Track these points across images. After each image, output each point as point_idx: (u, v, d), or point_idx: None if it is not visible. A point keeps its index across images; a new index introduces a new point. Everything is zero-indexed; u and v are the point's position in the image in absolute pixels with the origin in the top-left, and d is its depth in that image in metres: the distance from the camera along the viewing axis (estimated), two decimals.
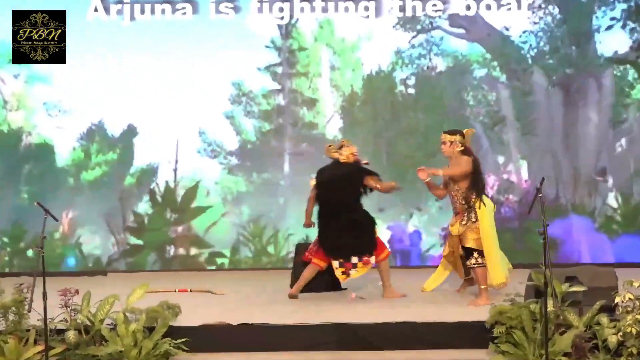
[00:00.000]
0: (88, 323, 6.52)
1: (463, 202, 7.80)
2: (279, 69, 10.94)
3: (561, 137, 10.85)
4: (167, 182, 10.89)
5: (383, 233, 10.73)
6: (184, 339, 6.47)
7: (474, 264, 7.73)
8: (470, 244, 7.74)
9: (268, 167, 10.94)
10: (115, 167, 10.93)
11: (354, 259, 7.94)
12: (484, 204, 7.76)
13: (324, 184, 8.09)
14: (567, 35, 10.83)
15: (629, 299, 6.27)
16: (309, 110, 10.97)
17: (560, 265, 7.34)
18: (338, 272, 7.97)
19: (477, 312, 6.96)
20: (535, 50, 10.88)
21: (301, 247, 8.84)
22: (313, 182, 8.30)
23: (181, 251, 10.94)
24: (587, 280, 6.68)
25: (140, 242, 10.86)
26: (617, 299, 6.35)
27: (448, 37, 10.89)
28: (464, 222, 7.77)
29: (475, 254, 7.71)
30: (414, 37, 10.90)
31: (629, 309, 6.29)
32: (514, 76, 10.87)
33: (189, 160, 10.83)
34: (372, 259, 7.98)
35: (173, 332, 6.56)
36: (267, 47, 10.88)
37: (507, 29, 10.84)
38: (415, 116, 10.95)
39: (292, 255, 10.13)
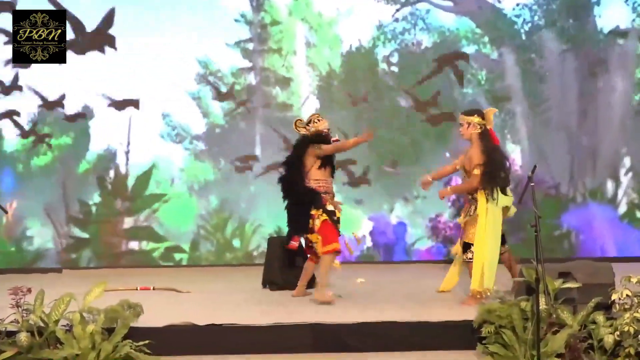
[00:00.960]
0: (41, 324, 6.53)
1: (468, 193, 7.84)
2: (250, 45, 11.01)
3: (566, 117, 11.00)
4: (117, 167, 10.90)
5: (364, 225, 10.87)
6: (146, 341, 6.50)
7: (470, 259, 7.77)
8: (467, 238, 7.80)
9: (238, 152, 11.00)
10: (70, 152, 10.96)
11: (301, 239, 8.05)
12: (492, 198, 7.66)
13: (283, 164, 8.18)
14: (564, 9, 10.96)
15: (627, 295, 6.34)
16: (282, 91, 11.04)
17: (553, 260, 7.47)
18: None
19: (463, 311, 7.08)
20: (529, 24, 11.00)
21: (274, 241, 8.94)
22: None
23: (133, 245, 10.98)
24: (582, 276, 6.78)
25: (85, 235, 10.89)
26: (614, 296, 6.43)
27: (435, 11, 11.00)
28: (466, 214, 7.82)
29: (472, 248, 7.74)
30: (397, 10, 11.00)
31: (626, 306, 6.36)
32: (506, 53, 10.99)
33: (151, 145, 10.87)
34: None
35: (134, 334, 6.58)
36: (236, 21, 10.95)
37: (499, 2, 10.98)
38: (399, 96, 11.05)
39: (262, 249, 10.24)
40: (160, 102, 10.83)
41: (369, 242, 10.91)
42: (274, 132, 10.93)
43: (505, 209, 7.81)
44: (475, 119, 7.77)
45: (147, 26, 10.70)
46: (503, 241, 7.85)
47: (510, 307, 6.56)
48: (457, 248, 8.14)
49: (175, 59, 10.75)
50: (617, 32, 10.97)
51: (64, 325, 6.57)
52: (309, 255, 8.14)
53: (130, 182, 10.97)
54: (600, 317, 6.47)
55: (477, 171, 7.62)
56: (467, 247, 7.81)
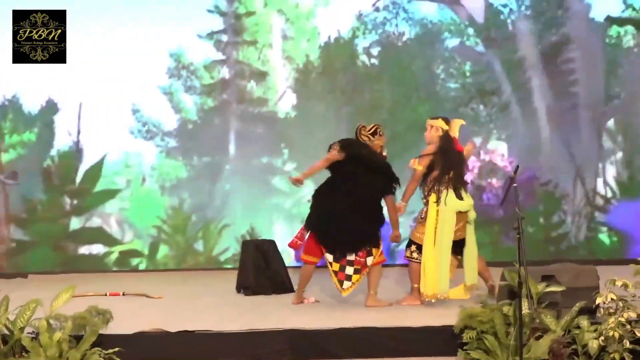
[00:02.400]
0: (6, 332, 6.59)
1: (426, 194, 8.12)
2: (224, 37, 11.06)
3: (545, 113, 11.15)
4: (62, 158, 10.90)
5: None
6: (116, 349, 6.57)
7: (408, 257, 8.10)
8: (412, 235, 8.16)
9: (211, 149, 11.09)
10: (34, 148, 10.99)
11: (350, 256, 7.92)
12: (440, 201, 7.93)
13: (360, 168, 7.96)
14: None
15: (612, 299, 6.50)
16: (257, 85, 11.11)
17: (537, 263, 7.58)
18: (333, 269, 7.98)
19: (444, 315, 7.19)
20: (516, 14, 11.13)
21: (249, 244, 9.04)
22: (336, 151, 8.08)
23: (82, 249, 11.00)
24: (566, 279, 6.91)
25: (26, 237, 10.90)
26: (599, 300, 6.58)
27: (418, 0, 11.07)
28: (418, 216, 8.22)
29: (414, 247, 8.06)
30: None
31: (611, 310, 6.53)
32: (493, 44, 11.11)
33: (120, 142, 10.94)
34: (370, 259, 7.95)
35: (103, 341, 6.67)
36: (209, 11, 11.02)
37: None
38: (380, 89, 11.15)
39: (234, 251, 10.33)
40: (130, 96, 10.89)
41: None
42: (249, 127, 11.03)
43: (463, 214, 8.01)
44: (439, 122, 8.14)
45: (115, 16, 10.76)
46: (461, 245, 8.05)
47: (492, 312, 6.68)
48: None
49: (146, 52, 10.82)
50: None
51: (30, 333, 6.64)
52: (304, 261, 8.15)
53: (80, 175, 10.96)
54: (584, 322, 6.58)
55: (411, 164, 8.09)
56: (409, 243, 8.17)
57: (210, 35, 11.02)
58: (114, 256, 11.01)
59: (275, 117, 10.87)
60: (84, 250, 11.01)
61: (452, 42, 11.20)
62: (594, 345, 6.46)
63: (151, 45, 10.81)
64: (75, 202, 10.98)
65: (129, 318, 7.46)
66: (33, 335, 6.64)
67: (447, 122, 8.20)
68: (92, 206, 11.01)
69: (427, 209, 8.00)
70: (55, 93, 10.91)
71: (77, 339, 6.63)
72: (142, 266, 10.99)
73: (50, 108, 10.97)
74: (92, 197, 10.99)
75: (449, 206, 7.91)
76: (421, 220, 8.06)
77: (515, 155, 11.06)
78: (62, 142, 10.99)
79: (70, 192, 10.96)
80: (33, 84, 10.82)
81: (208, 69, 11.06)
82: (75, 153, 10.95)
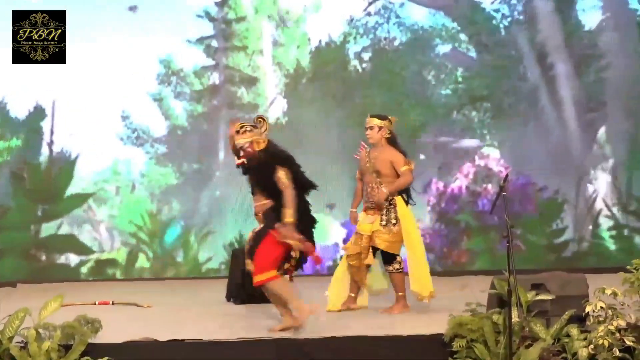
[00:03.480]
0: None
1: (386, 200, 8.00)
2: (213, 43, 11.16)
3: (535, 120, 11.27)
4: (34, 163, 10.92)
5: (336, 231, 11.06)
6: (105, 358, 6.63)
7: (396, 269, 8.05)
8: (383, 245, 7.99)
9: (201, 155, 11.20)
10: (20, 155, 11.04)
11: None
12: (405, 200, 8.07)
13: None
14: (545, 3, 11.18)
15: (601, 307, 6.59)
16: (248, 91, 11.20)
17: (526, 272, 7.68)
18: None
19: (434, 323, 7.27)
20: (509, 19, 11.25)
21: (238, 253, 9.09)
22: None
23: (56, 258, 11.04)
24: (556, 287, 7.01)
25: None
26: (588, 308, 6.67)
27: (409, 5, 11.19)
28: (383, 222, 7.99)
29: (398, 258, 8.04)
30: (370, 3, 11.19)
31: (600, 318, 6.62)
32: (485, 50, 11.23)
33: (109, 149, 11.02)
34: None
35: (93, 350, 6.72)
36: (199, 16, 11.11)
37: None
38: (371, 94, 11.27)
39: (219, 262, 10.39)
40: (119, 103, 10.98)
41: (341, 251, 11.03)
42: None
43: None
44: (387, 122, 8.08)
45: (105, 22, 10.87)
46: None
47: (481, 320, 6.76)
48: (353, 252, 8.21)
49: (136, 58, 10.92)
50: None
51: (19, 342, 6.70)
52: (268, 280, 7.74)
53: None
54: (574, 330, 6.68)
55: (406, 167, 7.95)
56: (390, 258, 8.03)
57: (200, 40, 11.13)
58: (88, 266, 11.04)
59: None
60: (56, 258, 11.06)
61: (443, 48, 11.32)
62: (583, 353, 6.55)
63: (141, 51, 10.91)
64: (45, 207, 10.99)
65: (119, 327, 7.51)
66: (22, 345, 6.69)
67: (390, 121, 8.14)
68: (62, 211, 11.02)
69: (394, 212, 7.97)
70: (43, 98, 10.95)
71: (66, 348, 6.69)
72: (119, 274, 11.06)
73: (38, 114, 11.01)
74: (65, 203, 11.03)
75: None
76: (388, 225, 7.98)
77: (510, 161, 11.19)
78: (48, 149, 11.06)
79: (41, 197, 10.97)
80: (19, 89, 10.90)
81: (198, 75, 11.16)
82: (52, 157, 10.98)
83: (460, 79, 11.34)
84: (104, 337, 6.98)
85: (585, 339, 6.64)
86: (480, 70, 11.29)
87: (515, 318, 6.60)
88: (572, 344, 6.66)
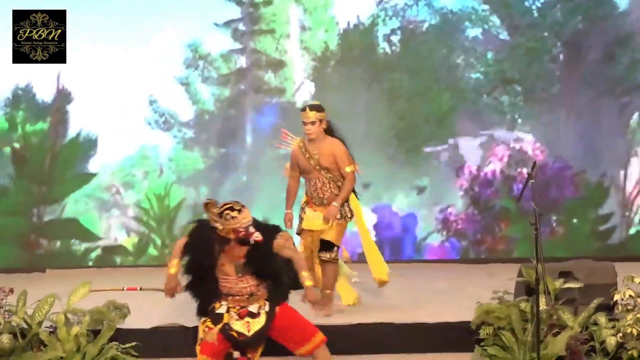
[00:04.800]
0: (24, 326, 6.87)
1: (336, 192, 7.79)
2: (240, 26, 11.22)
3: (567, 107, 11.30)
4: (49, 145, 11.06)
5: (367, 216, 11.11)
6: (133, 343, 6.85)
7: (329, 259, 7.80)
8: (331, 236, 7.75)
9: (227, 140, 11.29)
10: (46, 139, 11.18)
11: None
12: (355, 193, 7.99)
13: None
14: None
15: (630, 296, 6.72)
16: (275, 75, 11.29)
17: (554, 260, 7.76)
18: None
19: (461, 311, 7.40)
20: (541, 0, 11.26)
21: None
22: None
23: (57, 245, 11.13)
24: (584, 276, 7.12)
25: None
26: (616, 297, 6.79)
27: None
28: (338, 217, 7.75)
29: (336, 249, 7.79)
30: None
31: (629, 307, 6.73)
32: (516, 32, 11.23)
33: (137, 133, 11.13)
34: None
35: (121, 336, 6.95)
36: (226, 0, 11.17)
37: None
38: (399, 78, 11.30)
39: None
40: (147, 87, 11.08)
41: (372, 237, 11.08)
42: (266, 118, 11.23)
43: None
44: (324, 114, 7.76)
45: (133, 7, 10.99)
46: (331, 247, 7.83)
47: (509, 308, 6.90)
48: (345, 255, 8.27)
49: (163, 42, 11.01)
50: None
51: (48, 327, 6.91)
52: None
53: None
54: (602, 319, 6.81)
55: (350, 169, 7.74)
56: (328, 246, 7.79)
57: (228, 24, 11.18)
58: (95, 254, 11.16)
59: (292, 107, 10.99)
60: (57, 245, 11.15)
61: (472, 32, 11.30)
62: (611, 341, 6.66)
63: (168, 36, 11.00)
64: (44, 188, 11.04)
65: (146, 313, 7.69)
66: (51, 330, 6.90)
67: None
68: (62, 194, 11.08)
69: (347, 205, 7.82)
70: (69, 82, 11.08)
71: (94, 333, 6.89)
72: (156, 253, 11.17)
73: (64, 98, 11.14)
74: (65, 185, 11.13)
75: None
76: (344, 219, 7.83)
77: (545, 144, 11.18)
78: (74, 131, 11.17)
79: (39, 179, 11.03)
80: (45, 73, 10.96)
81: (225, 59, 11.22)
82: (78, 141, 11.10)
83: (490, 62, 11.35)
84: (132, 322, 7.18)
85: (613, 327, 6.75)
86: (512, 53, 11.28)
87: (542, 306, 6.70)
88: (600, 333, 6.77)
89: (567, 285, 7.01)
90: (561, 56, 11.34)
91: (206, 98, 11.27)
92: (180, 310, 7.94)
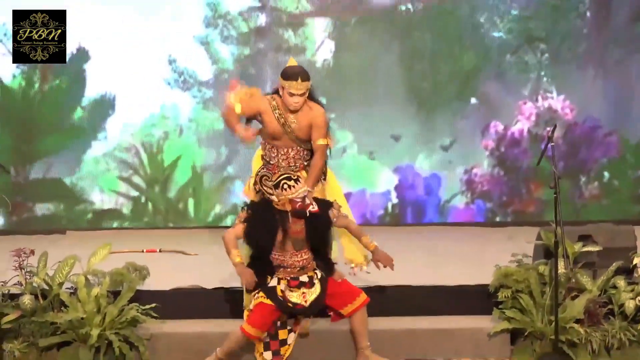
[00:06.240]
0: (45, 287, 7.10)
1: (307, 162, 7.33)
2: None
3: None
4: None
5: (387, 177, 11.25)
6: (153, 305, 7.05)
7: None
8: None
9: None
10: (63, 98, 11.24)
11: None
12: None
13: None
14: None
15: None
16: (295, 34, 11.36)
17: (573, 223, 7.88)
18: None
19: (479, 274, 7.55)
20: None
21: None
22: None
23: (42, 209, 11.11)
24: (603, 239, 7.27)
25: None
26: (636, 260, 6.99)
27: None
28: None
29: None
30: None
31: None
32: None
33: (156, 93, 11.19)
34: None
35: (141, 297, 7.17)
36: None
37: None
38: (422, 37, 11.31)
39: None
40: (165, 47, 11.13)
41: (394, 199, 11.25)
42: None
43: None
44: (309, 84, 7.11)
45: None
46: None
47: (527, 272, 7.07)
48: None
49: (180, 0, 11.09)
50: None
51: (69, 288, 7.14)
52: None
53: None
54: (621, 282, 6.98)
55: (322, 142, 7.19)
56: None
57: None
58: (87, 218, 11.23)
59: (312, 66, 10.98)
60: (42, 209, 11.14)
61: None
62: (630, 305, 6.84)
63: None
64: (25, 147, 11.03)
65: (166, 274, 7.91)
66: (71, 291, 7.13)
67: None
68: (44, 152, 11.10)
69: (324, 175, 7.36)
70: (86, 41, 11.14)
71: (114, 294, 7.10)
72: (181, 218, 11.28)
73: (81, 56, 11.21)
74: (47, 143, 11.11)
75: None
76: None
77: (574, 103, 11.18)
78: (92, 91, 11.25)
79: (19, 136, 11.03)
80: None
81: (244, 17, 11.24)
82: (95, 101, 11.24)
83: (515, 20, 11.37)
84: (152, 284, 7.38)
85: (632, 290, 6.93)
86: (537, 11, 11.29)
87: (561, 269, 6.86)
88: (618, 296, 6.94)
89: (586, 248, 7.15)
90: (588, 14, 11.33)
91: (226, 57, 11.34)
92: (200, 272, 8.19)
